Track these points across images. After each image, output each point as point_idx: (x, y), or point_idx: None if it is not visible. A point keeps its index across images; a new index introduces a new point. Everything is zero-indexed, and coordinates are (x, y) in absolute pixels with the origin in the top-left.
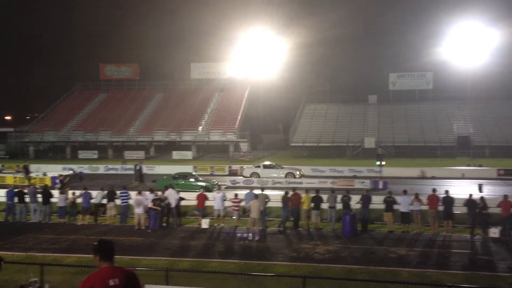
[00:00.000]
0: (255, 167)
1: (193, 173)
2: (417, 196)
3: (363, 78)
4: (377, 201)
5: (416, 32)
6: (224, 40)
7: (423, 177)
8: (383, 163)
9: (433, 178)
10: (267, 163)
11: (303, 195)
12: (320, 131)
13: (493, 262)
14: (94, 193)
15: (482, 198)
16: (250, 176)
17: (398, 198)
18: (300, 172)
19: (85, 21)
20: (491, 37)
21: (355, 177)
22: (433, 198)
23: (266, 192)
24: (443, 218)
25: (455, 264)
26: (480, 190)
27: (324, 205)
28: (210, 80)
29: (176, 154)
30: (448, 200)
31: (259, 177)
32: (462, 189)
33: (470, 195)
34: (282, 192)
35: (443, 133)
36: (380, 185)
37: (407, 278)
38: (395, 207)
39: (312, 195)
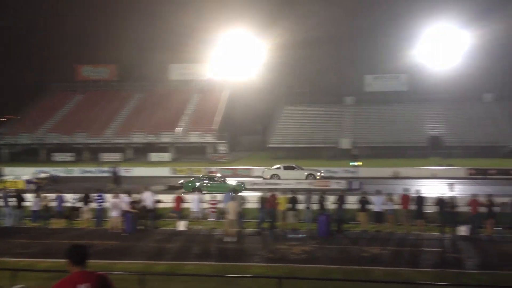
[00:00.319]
0: (275, 168)
1: (218, 174)
2: (390, 196)
3: (341, 80)
4: (352, 201)
5: (392, 35)
6: (204, 42)
7: (396, 177)
8: (359, 163)
9: (406, 178)
10: (287, 164)
11: (280, 196)
12: (298, 132)
13: (462, 260)
14: (68, 196)
15: (452, 197)
16: (270, 178)
17: (372, 198)
18: (320, 174)
19: (60, 21)
20: (463, 39)
21: (330, 177)
22: (405, 198)
23: (243, 193)
24: (415, 217)
25: (426, 262)
26: (451, 189)
27: (301, 206)
28: (189, 82)
29: (153, 156)
30: (420, 200)
31: (280, 178)
32: (433, 189)
33: (441, 194)
34: (259, 194)
35: (416, 134)
36: (355, 186)
37: (380, 276)
38: (369, 206)
39: (289, 196)
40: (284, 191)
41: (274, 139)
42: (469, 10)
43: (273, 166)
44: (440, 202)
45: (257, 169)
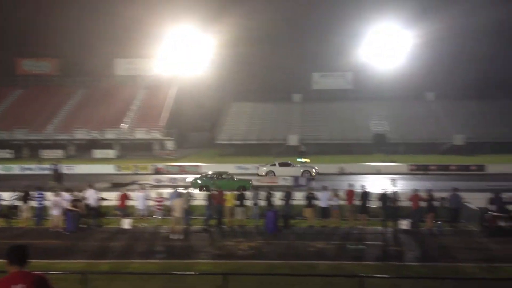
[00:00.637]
0: (271, 165)
1: (228, 171)
2: (335, 192)
3: (289, 77)
4: (299, 197)
5: (339, 33)
6: (151, 36)
7: (342, 173)
8: (307, 160)
9: (351, 174)
10: (282, 161)
11: (227, 192)
12: (246, 129)
13: (403, 253)
14: (5, 194)
15: (394, 193)
16: (266, 175)
17: (318, 194)
18: (315, 170)
19: None
20: (406, 39)
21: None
22: (350, 193)
23: (191, 190)
24: (359, 212)
25: (368, 256)
26: (393, 184)
27: (248, 202)
28: (135, 77)
29: (97, 153)
30: (364, 195)
31: (275, 175)
32: (377, 184)
33: (384, 189)
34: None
35: (362, 131)
36: (302, 182)
37: (324, 270)
38: (315, 202)
39: (236, 192)
40: None
41: (222, 135)
42: (411, 11)
43: (268, 163)
44: (383, 197)
45: (205, 166)
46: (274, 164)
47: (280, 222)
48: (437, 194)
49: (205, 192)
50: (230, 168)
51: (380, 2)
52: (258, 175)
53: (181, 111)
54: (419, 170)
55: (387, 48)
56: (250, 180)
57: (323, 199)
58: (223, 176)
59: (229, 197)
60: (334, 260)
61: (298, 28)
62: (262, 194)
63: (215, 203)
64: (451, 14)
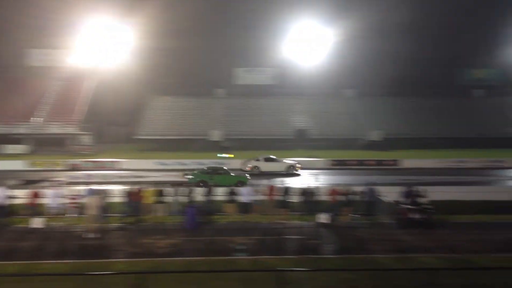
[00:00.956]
0: (255, 160)
1: (224, 167)
2: (257, 187)
3: (211, 72)
4: (220, 193)
5: (263, 29)
6: (67, 27)
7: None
8: (230, 155)
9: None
10: (267, 156)
11: (146, 189)
12: (167, 124)
13: (321, 246)
14: None
15: (314, 187)
16: (252, 170)
17: (240, 190)
18: (299, 166)
19: None
20: (328, 36)
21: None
22: (272, 189)
23: (108, 187)
24: (280, 206)
25: (288, 250)
26: (314, 179)
27: (168, 199)
28: (50, 68)
29: (8, 148)
30: (285, 190)
31: (260, 170)
32: (298, 179)
33: (305, 184)
34: (124, 187)
35: (284, 127)
36: None
37: (244, 265)
38: (237, 198)
39: (155, 189)
40: (150, 183)
41: (142, 130)
42: (332, 8)
43: (253, 158)
44: (304, 192)
45: (125, 162)
46: (259, 159)
47: (201, 218)
48: (354, 188)
49: (123, 189)
50: (151, 164)
51: None
52: (242, 170)
53: (99, 104)
54: (339, 165)
55: (309, 45)
56: (248, 175)
57: (245, 195)
58: (220, 171)
59: (148, 193)
60: (255, 255)
61: (221, 23)
62: (183, 190)
63: (133, 200)
64: (370, 13)
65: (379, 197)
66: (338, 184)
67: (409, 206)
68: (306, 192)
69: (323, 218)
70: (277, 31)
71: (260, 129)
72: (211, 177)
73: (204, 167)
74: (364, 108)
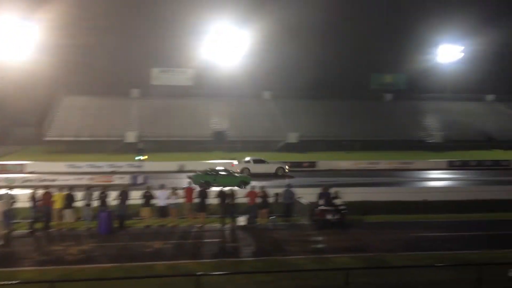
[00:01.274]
0: (245, 162)
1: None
2: (174, 190)
3: (128, 71)
4: (136, 197)
5: (182, 30)
6: None
7: (182, 171)
8: (145, 157)
9: (191, 171)
10: (256, 158)
11: (55, 193)
12: (80, 125)
13: (239, 248)
14: None
15: (232, 190)
16: (242, 172)
17: (156, 193)
18: (287, 167)
19: None
20: (246, 39)
21: (113, 172)
22: (189, 191)
23: (13, 191)
24: (198, 210)
25: (206, 253)
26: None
27: (79, 203)
28: None
29: None
30: (202, 193)
31: (250, 172)
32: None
33: (222, 187)
34: (31, 191)
35: (202, 128)
36: (140, 180)
37: (161, 271)
38: (153, 201)
39: (65, 193)
40: (61, 187)
41: (52, 131)
42: (250, 10)
43: (243, 159)
44: (222, 194)
45: (33, 164)
46: (249, 161)
47: (115, 223)
48: (272, 190)
49: (31, 193)
50: (61, 167)
51: (221, 1)
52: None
53: (2, 103)
54: None
55: (227, 47)
56: (249, 176)
57: (161, 198)
58: (223, 172)
59: (58, 197)
60: (172, 260)
61: (139, 22)
62: (95, 193)
63: (42, 205)
64: (287, 17)
65: (296, 198)
66: (256, 187)
67: (325, 207)
68: (224, 195)
69: (241, 220)
70: (196, 32)
71: (178, 130)
72: (214, 178)
73: (207, 168)
74: (282, 110)
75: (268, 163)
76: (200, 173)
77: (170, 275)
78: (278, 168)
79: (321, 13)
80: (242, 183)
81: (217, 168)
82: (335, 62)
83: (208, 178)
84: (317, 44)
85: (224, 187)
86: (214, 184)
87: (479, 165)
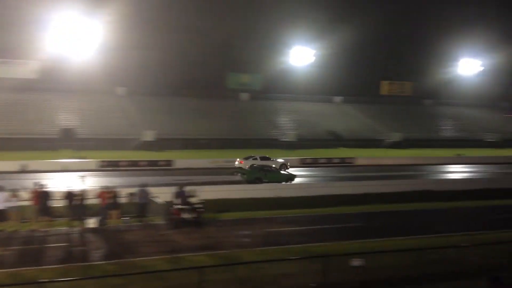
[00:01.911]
0: (253, 159)
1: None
2: (14, 192)
3: None
4: None
5: (24, 19)
6: None
7: (24, 171)
8: None
9: (35, 171)
10: (262, 155)
11: None
12: None
13: (89, 252)
14: None
15: (81, 190)
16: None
17: None
18: (288, 164)
19: None
20: (98, 31)
21: None
22: (36, 193)
23: None
24: (41, 213)
25: (51, 259)
26: (82, 182)
27: None
28: None
29: None
30: (44, 195)
31: None
32: (63, 182)
33: (70, 187)
34: None
35: (47, 125)
36: None
37: (1, 280)
38: None
39: None
40: None
41: None
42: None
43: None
44: (69, 195)
45: None
46: (256, 158)
47: None
48: (126, 190)
49: None
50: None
51: None
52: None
53: None
54: (110, 166)
55: (79, 40)
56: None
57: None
58: (271, 169)
59: None
60: (13, 268)
61: None
62: None
63: None
64: (143, 11)
65: (151, 198)
66: (108, 186)
67: (181, 206)
68: (72, 196)
69: (91, 222)
70: (41, 22)
71: (19, 127)
72: (265, 174)
73: (254, 164)
74: (137, 107)
75: (273, 160)
76: (251, 169)
77: (11, 284)
78: (282, 165)
79: (181, 11)
80: (289, 179)
81: (261, 164)
82: (194, 60)
83: (260, 174)
84: (176, 41)
85: (272, 182)
86: (265, 180)
87: (328, 162)
